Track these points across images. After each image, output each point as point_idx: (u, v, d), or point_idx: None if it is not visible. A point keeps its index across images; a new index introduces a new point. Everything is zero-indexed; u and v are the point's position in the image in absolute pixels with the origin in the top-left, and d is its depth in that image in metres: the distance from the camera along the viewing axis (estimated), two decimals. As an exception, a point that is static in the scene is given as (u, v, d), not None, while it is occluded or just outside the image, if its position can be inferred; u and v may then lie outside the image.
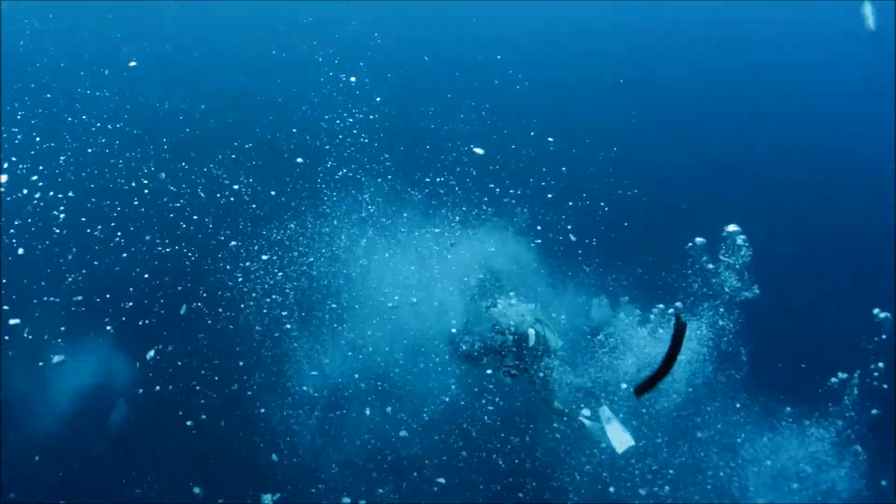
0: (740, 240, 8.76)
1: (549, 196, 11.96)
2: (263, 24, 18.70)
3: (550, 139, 13.81)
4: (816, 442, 8.01)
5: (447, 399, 8.27)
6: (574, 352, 8.46)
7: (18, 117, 12.17)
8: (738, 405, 8.34)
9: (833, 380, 8.44)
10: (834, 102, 17.24)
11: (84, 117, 12.56)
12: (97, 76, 14.24)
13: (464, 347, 7.99)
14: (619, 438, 7.45)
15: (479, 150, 9.65)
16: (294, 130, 13.13)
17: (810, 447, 7.99)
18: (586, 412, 7.71)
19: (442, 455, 7.84)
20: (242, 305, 9.02)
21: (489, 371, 8.11)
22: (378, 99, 14.40)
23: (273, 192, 11.26)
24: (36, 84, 13.45)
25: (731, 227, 8.75)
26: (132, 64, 14.90)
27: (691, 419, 8.21)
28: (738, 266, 8.80)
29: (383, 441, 7.90)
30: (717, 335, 8.68)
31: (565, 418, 7.86)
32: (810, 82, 18.34)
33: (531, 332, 7.67)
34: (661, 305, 8.61)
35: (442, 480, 7.62)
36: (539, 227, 11.04)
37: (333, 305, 9.15)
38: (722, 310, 8.79)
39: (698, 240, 9.09)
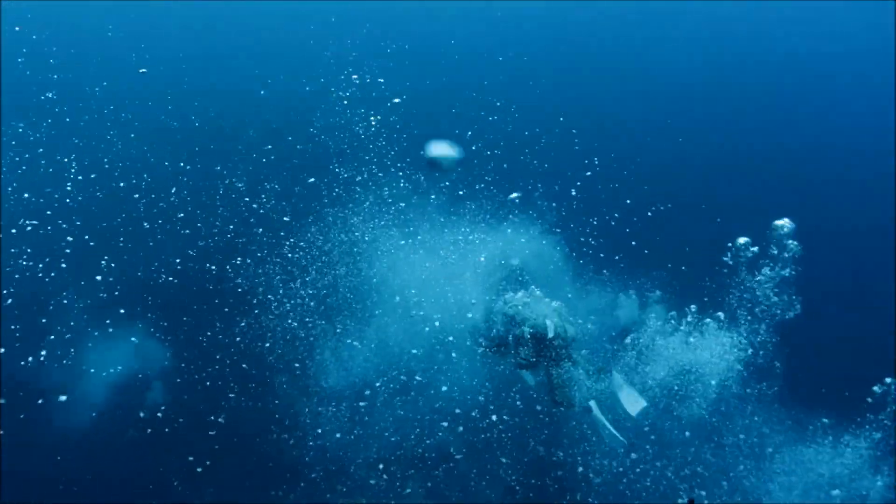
0: (777, 245, 8.57)
1: (575, 196, 11.86)
2: (273, 25, 18.67)
3: (577, 140, 13.68)
4: (852, 453, 7.79)
5: (470, 394, 8.29)
6: (598, 353, 8.40)
7: (32, 137, 12.05)
8: (769, 413, 8.16)
9: (874, 389, 8.18)
10: (870, 101, 16.92)
11: (95, 130, 12.43)
12: (107, 87, 14.05)
13: (484, 341, 8.10)
14: (633, 402, 7.64)
15: (515, 195, 9.77)
16: (311, 130, 13.11)
17: (845, 459, 7.77)
18: (593, 402, 7.79)
19: (466, 450, 7.85)
20: (266, 307, 9.08)
21: (511, 364, 8.14)
22: (396, 100, 14.33)
23: (295, 195, 11.28)
24: (40, 98, 13.30)
25: (771, 230, 8.59)
26: (142, 71, 14.83)
27: (719, 426, 8.09)
28: (774, 271, 8.61)
29: (408, 437, 7.92)
30: (752, 341, 8.49)
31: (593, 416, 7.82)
32: (841, 80, 18.08)
33: (549, 323, 7.71)
34: (693, 307, 8.44)
35: (467, 475, 7.65)
36: (564, 227, 10.94)
37: (356, 304, 9.19)
38: (758, 315, 8.61)
39: (731, 244, 8.93)
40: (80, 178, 11.04)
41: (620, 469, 7.68)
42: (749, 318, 8.53)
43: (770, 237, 8.61)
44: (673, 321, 8.55)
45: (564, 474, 7.68)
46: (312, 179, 11.63)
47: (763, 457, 7.87)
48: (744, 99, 16.71)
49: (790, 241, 8.50)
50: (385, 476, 7.58)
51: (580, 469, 7.70)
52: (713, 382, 8.14)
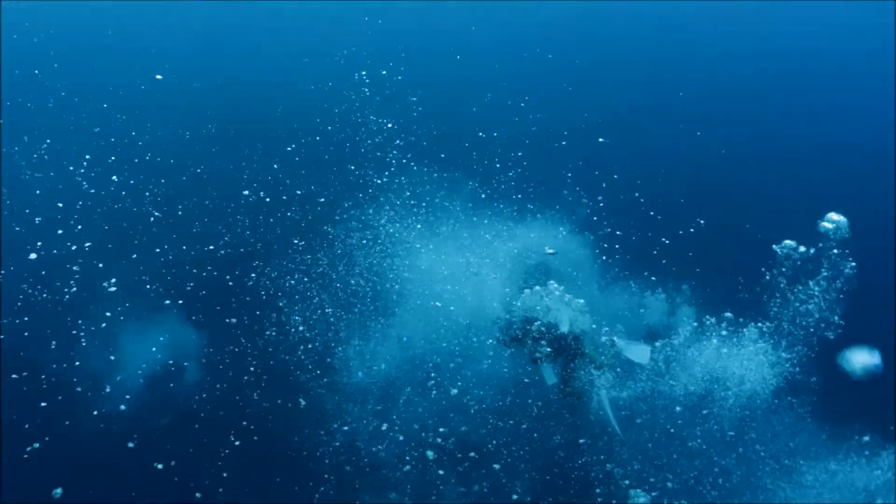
0: (817, 251, 8.40)
1: (601, 196, 11.70)
2: (282, 24, 18.60)
3: (602, 139, 13.53)
4: (886, 465, 7.59)
5: (494, 391, 8.35)
6: (622, 359, 8.29)
7: (46, 143, 11.93)
8: (801, 426, 8.00)
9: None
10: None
11: (110, 140, 12.26)
12: (120, 95, 13.81)
13: (503, 336, 8.37)
14: (640, 353, 8.02)
15: (550, 251, 9.88)
16: (329, 129, 13.08)
17: (879, 477, 7.57)
18: (604, 391, 7.93)
19: (491, 446, 7.89)
20: (291, 307, 9.11)
21: (529, 359, 8.32)
22: (414, 99, 14.25)
23: (318, 194, 11.26)
24: (47, 107, 13.04)
25: (816, 235, 8.42)
26: (158, 77, 14.72)
27: (747, 437, 7.96)
28: (815, 280, 8.43)
29: (433, 433, 7.96)
30: (790, 354, 8.34)
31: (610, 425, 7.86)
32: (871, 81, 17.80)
33: (563, 318, 7.99)
34: (728, 315, 8.27)
35: (492, 470, 7.68)
36: (590, 226, 10.86)
37: (380, 302, 9.24)
38: (796, 324, 8.47)
39: (768, 251, 8.78)
40: (91, 191, 10.92)
41: (643, 472, 7.64)
42: (787, 327, 8.39)
43: (814, 243, 8.45)
44: (708, 327, 8.46)
45: (586, 474, 7.68)
46: (336, 178, 11.60)
47: (794, 469, 7.74)
48: (776, 95, 16.52)
49: (834, 249, 8.33)
50: (412, 472, 7.61)
51: (598, 464, 7.72)
52: (745, 392, 8.04)
